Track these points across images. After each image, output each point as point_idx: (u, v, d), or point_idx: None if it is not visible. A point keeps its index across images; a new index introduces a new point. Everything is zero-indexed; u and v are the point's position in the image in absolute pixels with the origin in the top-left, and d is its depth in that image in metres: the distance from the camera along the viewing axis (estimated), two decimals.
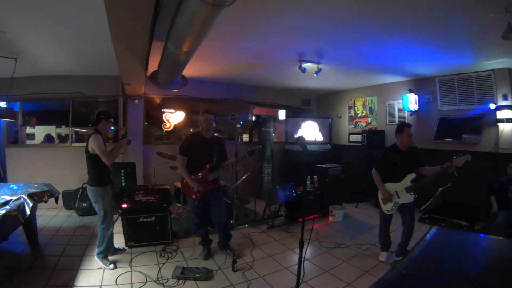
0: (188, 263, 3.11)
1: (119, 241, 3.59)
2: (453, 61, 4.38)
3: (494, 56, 4.02)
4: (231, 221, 4.16)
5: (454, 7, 2.65)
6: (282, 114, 7.93)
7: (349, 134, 7.16)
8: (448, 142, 5.09)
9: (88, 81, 5.31)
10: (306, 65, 4.59)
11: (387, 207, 3.17)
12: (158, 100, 5.99)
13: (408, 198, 3.04)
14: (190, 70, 4.71)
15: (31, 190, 3.13)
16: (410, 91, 5.49)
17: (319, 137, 6.95)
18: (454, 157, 2.73)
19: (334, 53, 4.20)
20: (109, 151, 2.94)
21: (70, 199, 4.86)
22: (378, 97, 6.49)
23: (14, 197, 2.90)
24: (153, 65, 4.15)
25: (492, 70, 4.52)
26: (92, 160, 2.93)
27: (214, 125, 3.30)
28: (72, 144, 5.54)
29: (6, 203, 2.76)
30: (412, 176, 3.01)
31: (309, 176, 4.81)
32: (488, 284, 0.82)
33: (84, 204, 4.71)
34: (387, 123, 6.26)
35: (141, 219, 3.50)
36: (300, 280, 1.96)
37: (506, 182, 3.57)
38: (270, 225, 4.39)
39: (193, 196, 3.21)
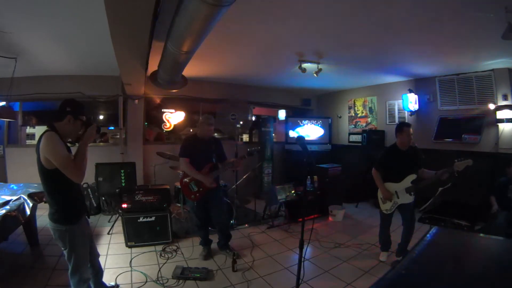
0: (188, 263, 3.11)
1: (119, 241, 3.60)
2: (453, 61, 4.38)
3: (494, 56, 4.02)
4: (231, 221, 4.16)
5: (454, 7, 2.65)
6: (282, 114, 7.94)
7: (349, 134, 7.16)
8: (448, 142, 5.09)
9: (88, 81, 5.31)
10: (306, 65, 4.58)
11: (385, 207, 3.18)
12: (158, 100, 5.99)
13: (407, 198, 3.03)
14: (190, 70, 4.70)
15: (31, 190, 3.13)
16: (410, 91, 5.49)
17: (319, 137, 6.95)
18: (456, 160, 2.74)
19: (334, 53, 4.20)
20: (74, 159, 1.87)
21: None
22: (378, 97, 6.49)
23: (14, 197, 2.90)
24: (153, 65, 4.15)
25: (492, 70, 4.52)
26: (50, 179, 1.83)
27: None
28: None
29: (6, 203, 2.76)
30: (412, 177, 3.01)
31: (309, 176, 4.80)
32: (488, 284, 0.82)
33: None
34: (387, 123, 6.25)
35: (141, 219, 3.49)
36: (300, 280, 1.96)
37: (506, 182, 3.57)
38: (270, 225, 4.39)
39: (192, 196, 3.21)
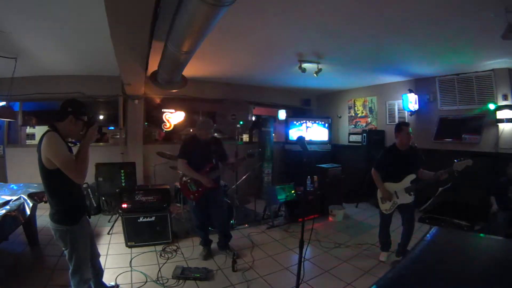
0: (188, 263, 3.11)
1: (119, 241, 3.60)
2: (453, 61, 4.38)
3: (494, 56, 4.02)
4: (231, 221, 4.16)
5: (454, 7, 2.65)
6: (282, 114, 7.94)
7: (349, 134, 7.15)
8: (448, 142, 5.09)
9: (88, 81, 5.30)
10: (306, 65, 4.58)
11: (385, 207, 3.18)
12: (158, 100, 5.99)
13: (407, 198, 3.03)
14: (190, 70, 4.70)
15: (31, 190, 3.13)
16: (410, 91, 5.49)
17: (319, 137, 6.95)
18: (456, 160, 2.74)
19: (334, 53, 4.20)
20: (75, 159, 1.83)
21: None
22: (378, 97, 6.48)
23: (14, 197, 2.90)
24: (153, 65, 4.15)
25: (492, 70, 4.51)
26: (51, 179, 1.82)
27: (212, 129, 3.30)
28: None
29: (6, 203, 2.76)
30: (412, 177, 3.01)
31: (309, 176, 4.80)
32: (488, 284, 0.82)
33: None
34: (387, 123, 6.25)
35: (141, 219, 3.49)
36: (300, 280, 1.96)
37: (506, 182, 3.57)
38: (270, 225, 4.39)
39: (192, 196, 3.21)
